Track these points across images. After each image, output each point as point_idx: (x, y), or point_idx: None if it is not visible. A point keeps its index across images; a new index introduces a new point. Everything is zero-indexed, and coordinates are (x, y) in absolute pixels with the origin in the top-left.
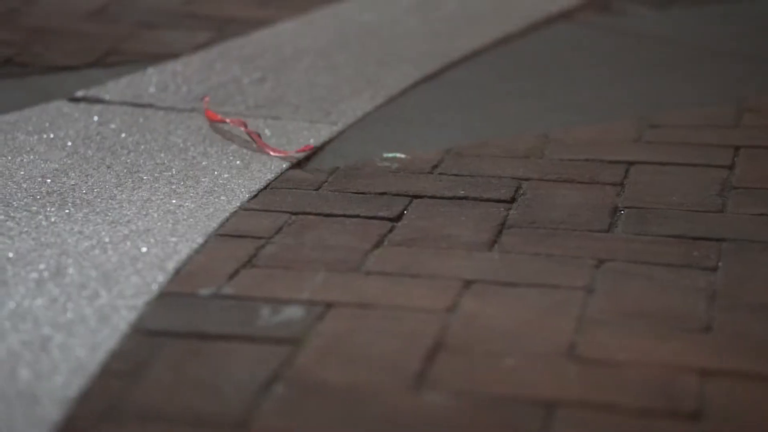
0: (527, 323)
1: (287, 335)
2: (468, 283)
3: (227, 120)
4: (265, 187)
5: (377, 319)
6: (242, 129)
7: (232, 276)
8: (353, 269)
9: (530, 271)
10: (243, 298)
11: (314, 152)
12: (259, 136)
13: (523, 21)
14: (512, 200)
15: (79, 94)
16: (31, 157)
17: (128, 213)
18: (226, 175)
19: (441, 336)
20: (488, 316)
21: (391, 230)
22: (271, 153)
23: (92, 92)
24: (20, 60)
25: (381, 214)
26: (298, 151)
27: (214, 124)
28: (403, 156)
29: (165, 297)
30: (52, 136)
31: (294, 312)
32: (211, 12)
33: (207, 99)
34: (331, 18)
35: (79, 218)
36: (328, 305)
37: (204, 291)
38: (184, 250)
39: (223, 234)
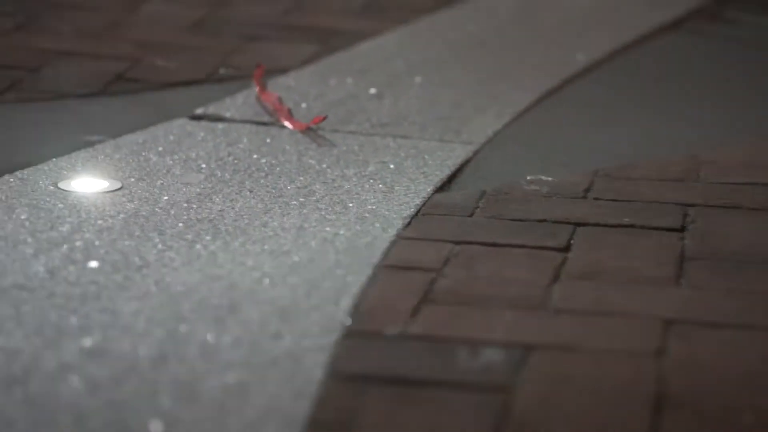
0: (752, 372)
1: (494, 382)
2: (668, 324)
3: (261, 94)
4: (416, 213)
5: (586, 364)
6: (267, 100)
7: (414, 313)
8: (540, 306)
9: (731, 310)
10: (434, 339)
11: (455, 174)
12: (289, 111)
13: (632, 32)
14: (682, 229)
15: (199, 111)
16: (169, 180)
17: (285, 242)
18: (372, 200)
19: (661, 385)
20: (703, 362)
21: (563, 262)
22: (291, 127)
23: (211, 110)
24: (131, 75)
25: (548, 243)
26: (312, 123)
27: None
28: (549, 179)
29: (351, 336)
30: (184, 157)
31: (493, 355)
32: (311, 23)
33: (262, 67)
34: (433, 29)
35: (237, 248)
36: (527, 348)
37: (390, 330)
38: (355, 284)
39: (390, 265)
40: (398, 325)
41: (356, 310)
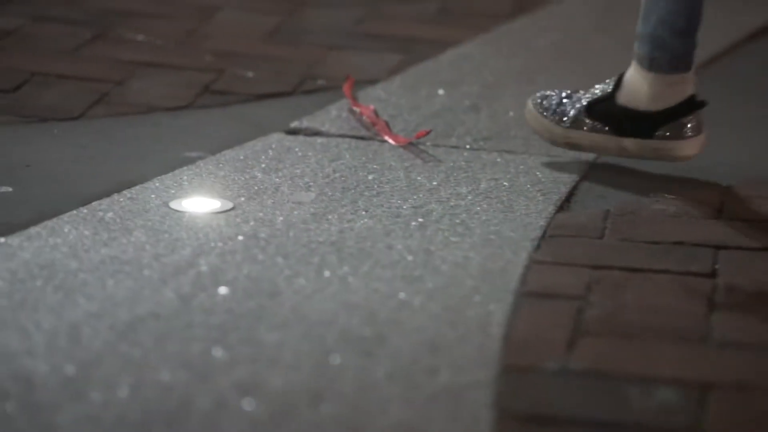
0: None
1: (678, 425)
2: None
3: (356, 106)
4: (543, 235)
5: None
6: (364, 114)
7: (569, 346)
8: (702, 339)
9: None
10: (599, 375)
11: (571, 192)
12: (387, 124)
13: (723, 39)
14: None
15: (294, 125)
16: (279, 198)
17: (415, 266)
18: (494, 221)
19: None
20: None
21: (713, 290)
22: (393, 142)
23: (306, 123)
24: (217, 87)
25: (692, 269)
26: (416, 137)
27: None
28: (673, 197)
29: (509, 371)
30: (289, 174)
31: (667, 394)
32: (388, 31)
33: (352, 79)
34: (515, 37)
35: (366, 272)
36: (703, 387)
37: (550, 365)
38: (499, 313)
39: (530, 293)
40: (557, 359)
41: (507, 342)
